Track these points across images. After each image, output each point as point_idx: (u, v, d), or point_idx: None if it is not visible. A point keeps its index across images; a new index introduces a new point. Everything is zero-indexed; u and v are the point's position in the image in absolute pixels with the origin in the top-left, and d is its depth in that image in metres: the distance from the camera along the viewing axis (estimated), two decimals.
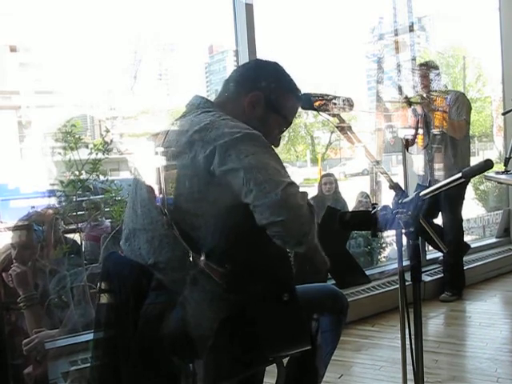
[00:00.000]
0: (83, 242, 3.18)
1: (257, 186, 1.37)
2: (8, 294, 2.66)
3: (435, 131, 4.06)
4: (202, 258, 1.47)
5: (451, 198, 4.01)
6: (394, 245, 4.72)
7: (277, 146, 1.72)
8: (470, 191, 6.86)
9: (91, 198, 3.30)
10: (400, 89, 4.85)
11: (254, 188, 1.37)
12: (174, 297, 1.50)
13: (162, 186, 1.60)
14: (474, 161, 2.26)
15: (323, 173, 9.20)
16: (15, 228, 2.78)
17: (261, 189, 1.37)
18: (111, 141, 3.18)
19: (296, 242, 1.40)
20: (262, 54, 3.47)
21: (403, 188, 1.57)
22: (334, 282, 2.05)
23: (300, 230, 1.38)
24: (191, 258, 1.48)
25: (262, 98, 1.66)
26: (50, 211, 2.93)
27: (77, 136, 3.06)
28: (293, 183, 1.41)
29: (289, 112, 1.73)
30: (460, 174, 1.50)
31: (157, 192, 1.61)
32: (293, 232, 1.38)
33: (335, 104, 1.65)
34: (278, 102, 1.69)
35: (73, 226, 3.05)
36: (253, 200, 1.38)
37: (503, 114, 4.76)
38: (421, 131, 4.21)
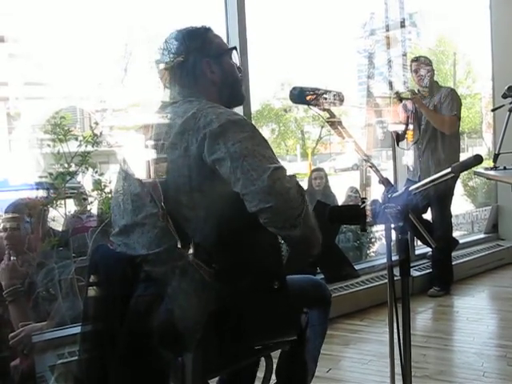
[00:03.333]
0: None
1: (244, 175, 1.38)
2: None
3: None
4: (191, 251, 1.47)
5: (441, 194, 4.03)
6: (383, 239, 4.74)
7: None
8: (459, 187, 6.90)
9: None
10: (391, 84, 4.85)
11: (241, 177, 1.39)
12: (164, 288, 1.49)
13: (153, 178, 1.59)
14: (463, 157, 2.27)
15: (313, 167, 9.21)
16: (5, 218, 2.75)
17: (248, 177, 1.38)
18: (101, 133, 3.16)
19: (289, 225, 1.39)
20: (253, 47, 3.46)
21: (393, 183, 1.58)
22: (322, 276, 2.05)
23: (291, 213, 1.38)
24: (183, 250, 1.47)
25: (210, 60, 1.68)
26: (38, 201, 2.91)
27: (66, 128, 3.03)
28: (279, 167, 1.41)
29: (224, 45, 1.78)
30: (449, 169, 1.50)
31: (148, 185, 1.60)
32: (283, 216, 1.38)
33: (326, 98, 1.65)
34: (216, 48, 1.72)
35: None
36: (241, 188, 1.39)
37: (493, 110, 4.78)
38: (411, 126, 4.23)
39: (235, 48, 1.78)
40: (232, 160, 1.40)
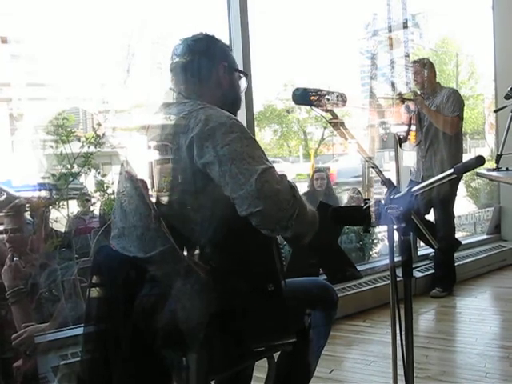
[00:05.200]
0: None
1: (232, 179, 1.39)
2: None
3: None
4: (186, 252, 1.48)
5: (443, 195, 4.03)
6: (386, 240, 4.74)
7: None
8: (461, 188, 6.89)
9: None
10: (393, 85, 4.85)
11: (229, 181, 1.39)
12: (165, 290, 1.50)
13: (155, 179, 1.61)
14: (466, 158, 2.28)
15: (315, 168, 9.20)
16: (7, 212, 2.75)
17: (236, 181, 1.38)
18: (103, 134, 3.16)
19: (281, 227, 1.39)
20: (255, 47, 3.46)
21: (395, 184, 1.58)
22: (325, 277, 2.05)
23: (281, 215, 1.37)
24: (179, 252, 1.48)
25: (227, 65, 1.70)
26: (40, 201, 2.91)
27: (69, 129, 3.04)
28: (267, 169, 1.40)
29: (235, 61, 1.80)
30: (452, 170, 1.50)
31: (150, 186, 1.61)
32: (274, 219, 1.37)
33: (328, 99, 1.65)
34: (232, 60, 1.75)
35: None
36: (230, 193, 1.39)
37: (495, 111, 4.77)
38: (413, 128, 4.23)
39: (247, 75, 1.83)
40: (220, 164, 1.40)
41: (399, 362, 1.68)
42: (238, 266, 1.50)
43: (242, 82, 1.78)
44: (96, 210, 3.43)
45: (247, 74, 1.84)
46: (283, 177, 1.43)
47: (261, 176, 1.37)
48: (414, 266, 3.16)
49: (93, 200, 3.37)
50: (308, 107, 1.69)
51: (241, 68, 1.83)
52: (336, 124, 1.64)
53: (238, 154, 1.41)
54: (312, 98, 1.62)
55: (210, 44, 1.71)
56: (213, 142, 1.42)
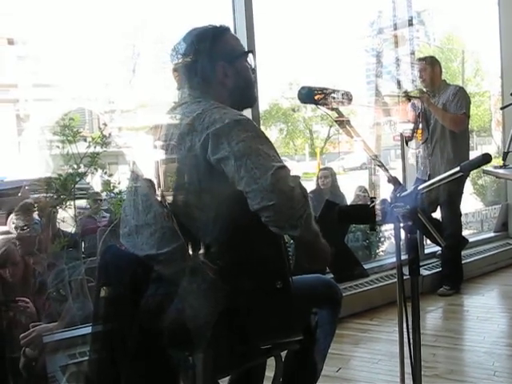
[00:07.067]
0: None
1: (247, 173, 1.39)
2: (6, 290, 2.65)
3: None
4: (196, 251, 1.48)
5: (450, 193, 4.02)
6: (393, 239, 4.72)
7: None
8: (468, 186, 6.87)
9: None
10: (399, 83, 4.85)
11: (244, 175, 1.40)
12: (173, 288, 1.50)
13: (161, 179, 1.62)
14: (473, 155, 2.27)
15: (321, 166, 9.19)
16: (16, 212, 2.77)
17: (251, 175, 1.39)
18: (109, 134, 3.18)
19: (290, 225, 1.40)
20: (261, 46, 3.47)
21: (401, 182, 1.57)
22: (332, 275, 2.05)
23: (292, 212, 1.38)
24: (190, 251, 1.49)
25: (225, 63, 1.66)
26: (47, 201, 2.92)
27: (75, 129, 3.05)
28: (283, 167, 1.41)
29: (240, 47, 1.75)
30: (458, 168, 1.50)
31: (156, 186, 1.62)
32: (285, 215, 1.38)
33: (334, 98, 1.65)
34: (232, 51, 1.70)
35: None
36: (244, 187, 1.40)
37: (502, 108, 4.76)
38: (420, 126, 4.22)
39: (251, 51, 1.78)
40: (236, 158, 1.41)
41: (406, 361, 1.67)
42: (246, 265, 1.51)
43: (250, 61, 1.74)
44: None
45: (251, 50, 1.79)
46: (296, 177, 1.45)
47: (277, 172, 1.38)
48: (420, 264, 3.14)
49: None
50: (314, 106, 1.68)
51: None
52: (342, 122, 1.64)
53: (253, 150, 1.42)
54: (317, 96, 1.62)
55: (196, 44, 1.66)
56: (228, 138, 1.44)
